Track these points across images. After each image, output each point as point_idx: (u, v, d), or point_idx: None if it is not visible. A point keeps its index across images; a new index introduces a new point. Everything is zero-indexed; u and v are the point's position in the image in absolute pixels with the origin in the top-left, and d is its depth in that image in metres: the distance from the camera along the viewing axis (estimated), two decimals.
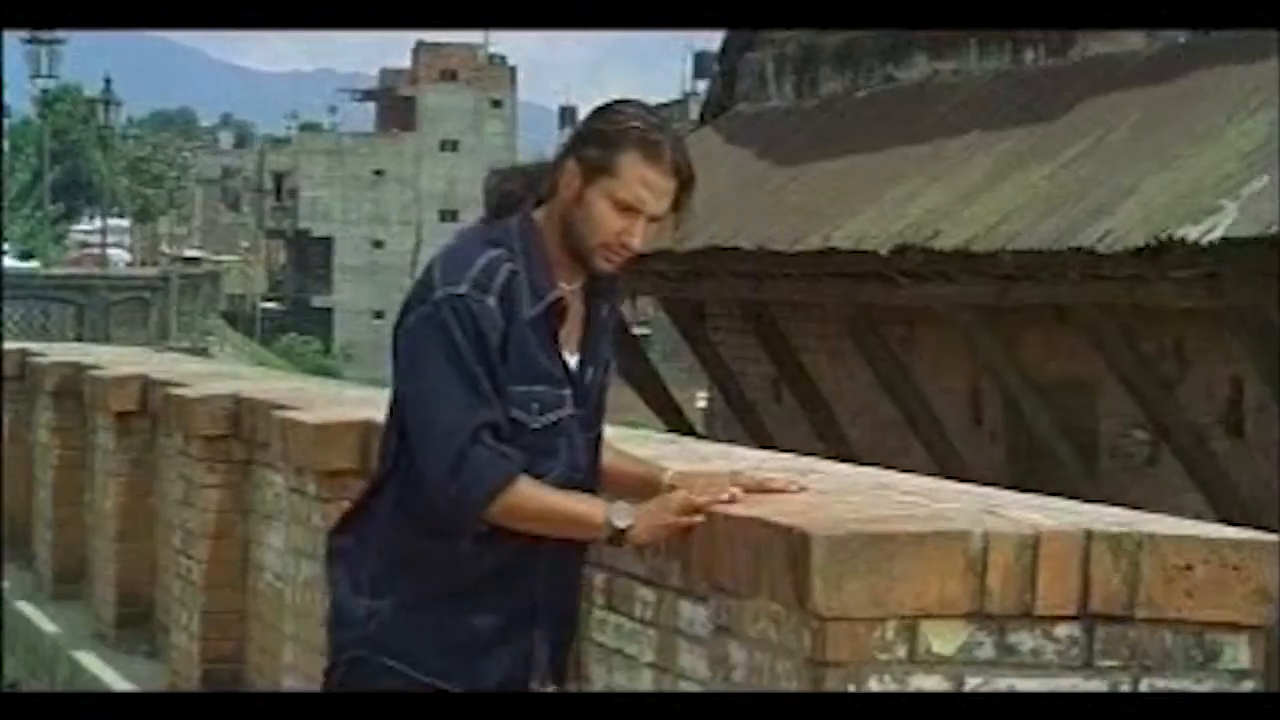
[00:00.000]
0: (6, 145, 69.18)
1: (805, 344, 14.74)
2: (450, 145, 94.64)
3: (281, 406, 7.63)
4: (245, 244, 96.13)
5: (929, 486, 4.39)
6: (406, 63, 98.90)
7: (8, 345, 13.54)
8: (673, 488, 4.02)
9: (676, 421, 16.41)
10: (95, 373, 10.86)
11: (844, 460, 13.88)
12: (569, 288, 3.89)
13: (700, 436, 16.73)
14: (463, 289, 3.81)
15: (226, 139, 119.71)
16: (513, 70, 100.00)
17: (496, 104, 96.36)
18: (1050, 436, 12.09)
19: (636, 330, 25.61)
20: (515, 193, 3.95)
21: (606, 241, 3.84)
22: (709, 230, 13.12)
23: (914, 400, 13.22)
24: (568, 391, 3.92)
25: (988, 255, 11.18)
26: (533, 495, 3.85)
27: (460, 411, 3.79)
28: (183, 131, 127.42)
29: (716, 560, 3.87)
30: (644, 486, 4.07)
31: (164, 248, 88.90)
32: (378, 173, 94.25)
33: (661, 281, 14.43)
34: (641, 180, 3.82)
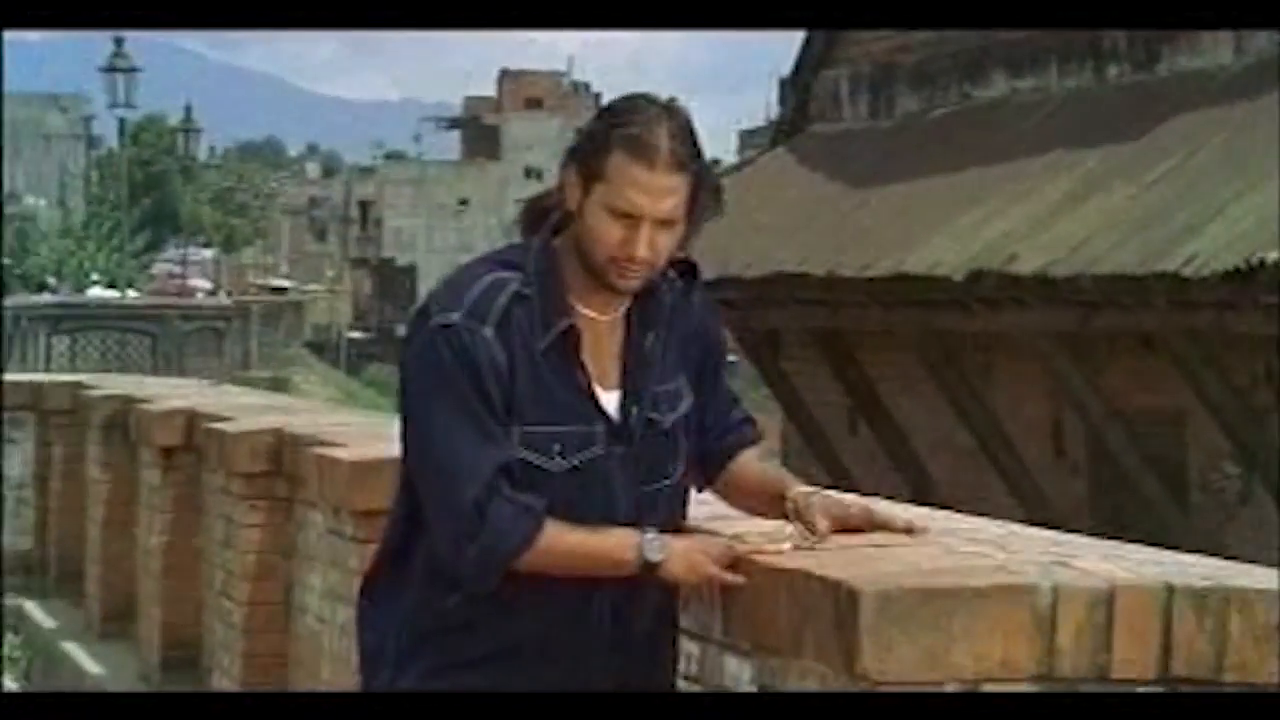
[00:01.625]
0: (93, 174, 69.63)
1: (880, 373, 14.37)
2: (535, 173, 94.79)
3: (321, 442, 7.31)
4: (331, 273, 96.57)
5: (997, 533, 4.05)
6: (491, 91, 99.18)
7: (63, 377, 13.47)
8: (794, 504, 3.61)
9: None
10: (142, 406, 10.63)
11: (921, 494, 13.67)
12: (596, 315, 3.49)
13: None
14: (455, 317, 3.45)
15: (313, 168, 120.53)
16: (597, 97, 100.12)
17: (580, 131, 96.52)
18: (1136, 470, 11.75)
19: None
20: (544, 209, 3.58)
21: (611, 255, 3.45)
22: (778, 256, 12.87)
23: (992, 432, 12.86)
24: (600, 428, 3.50)
25: (1068, 281, 10.89)
26: (555, 541, 3.46)
27: (468, 458, 3.43)
28: (270, 161, 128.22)
29: (759, 615, 3.56)
30: (767, 498, 3.69)
31: (250, 277, 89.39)
32: (462, 201, 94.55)
33: (730, 310, 14.08)
34: (632, 182, 3.43)
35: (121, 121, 43.22)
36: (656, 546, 3.45)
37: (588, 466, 3.50)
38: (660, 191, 3.42)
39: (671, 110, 3.50)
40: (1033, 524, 11.44)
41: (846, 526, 3.61)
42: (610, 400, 3.52)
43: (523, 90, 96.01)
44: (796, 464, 15.77)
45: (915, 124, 14.86)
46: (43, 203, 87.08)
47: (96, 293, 50.86)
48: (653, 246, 3.44)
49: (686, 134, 3.48)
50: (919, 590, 3.24)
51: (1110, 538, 10.13)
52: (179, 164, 64.84)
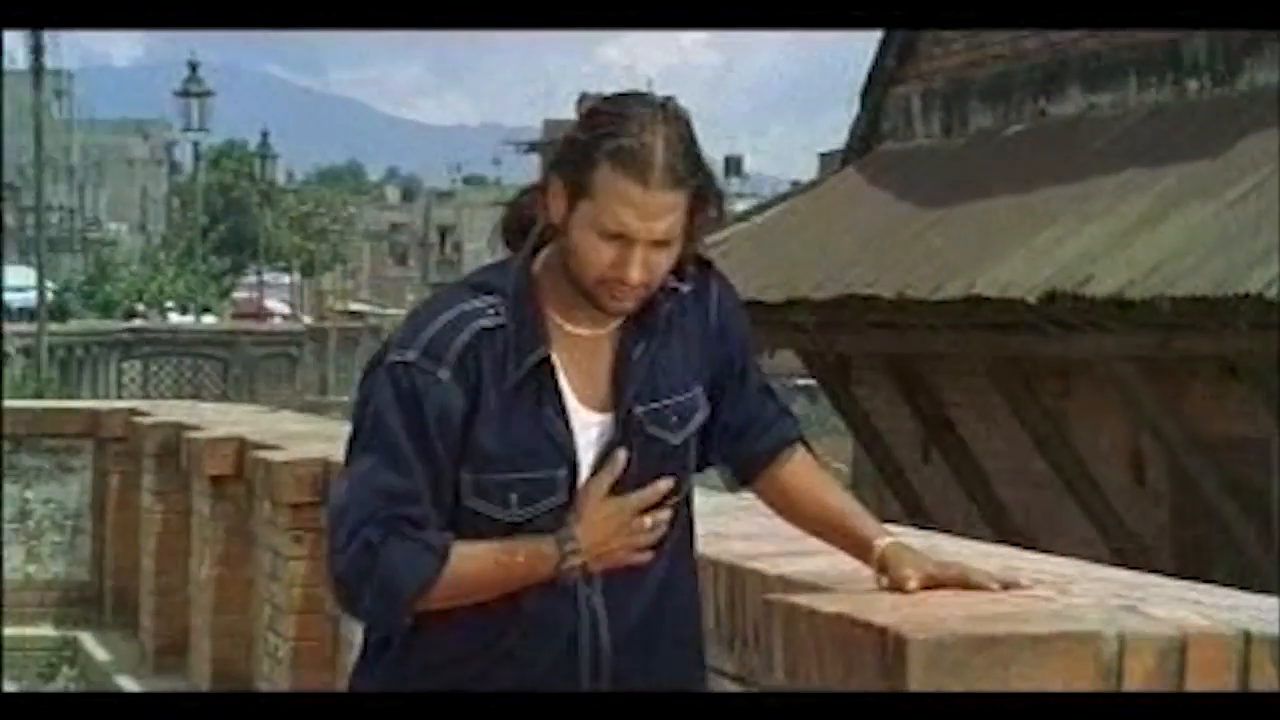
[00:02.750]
0: (174, 199, 69.98)
1: (954, 399, 14.05)
2: None
3: None
4: (412, 298, 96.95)
5: (1061, 573, 3.74)
6: (570, 114, 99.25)
7: (118, 404, 13.30)
8: (883, 556, 3.28)
9: None
10: (192, 434, 10.44)
11: (997, 524, 13.32)
12: (586, 331, 3.19)
13: None
14: (411, 355, 3.16)
15: (393, 193, 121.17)
16: None
17: None
18: (1219, 500, 11.39)
19: (800, 382, 24.93)
20: (527, 219, 3.24)
21: (601, 278, 3.12)
22: (846, 278, 12.58)
23: (1070, 460, 12.53)
24: (563, 474, 3.19)
25: (1145, 303, 10.56)
26: (460, 574, 3.16)
27: (371, 499, 3.14)
28: (350, 186, 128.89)
29: (800, 662, 3.26)
30: (832, 528, 3.38)
31: (330, 302, 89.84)
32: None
33: (798, 333, 13.78)
34: (623, 201, 3.08)
35: (195, 146, 43.38)
36: (575, 564, 3.16)
37: (546, 517, 3.19)
38: (655, 211, 3.08)
39: (668, 114, 3.14)
40: (1114, 555, 11.10)
41: (940, 585, 3.27)
42: (592, 424, 3.21)
43: None
44: (868, 493, 15.43)
45: (988, 141, 14.54)
46: (124, 228, 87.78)
47: (174, 318, 51.08)
48: (647, 268, 3.12)
49: (685, 142, 3.13)
50: (972, 638, 2.99)
51: (1192, 570, 9.77)
52: (257, 189, 65.08)
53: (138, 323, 44.68)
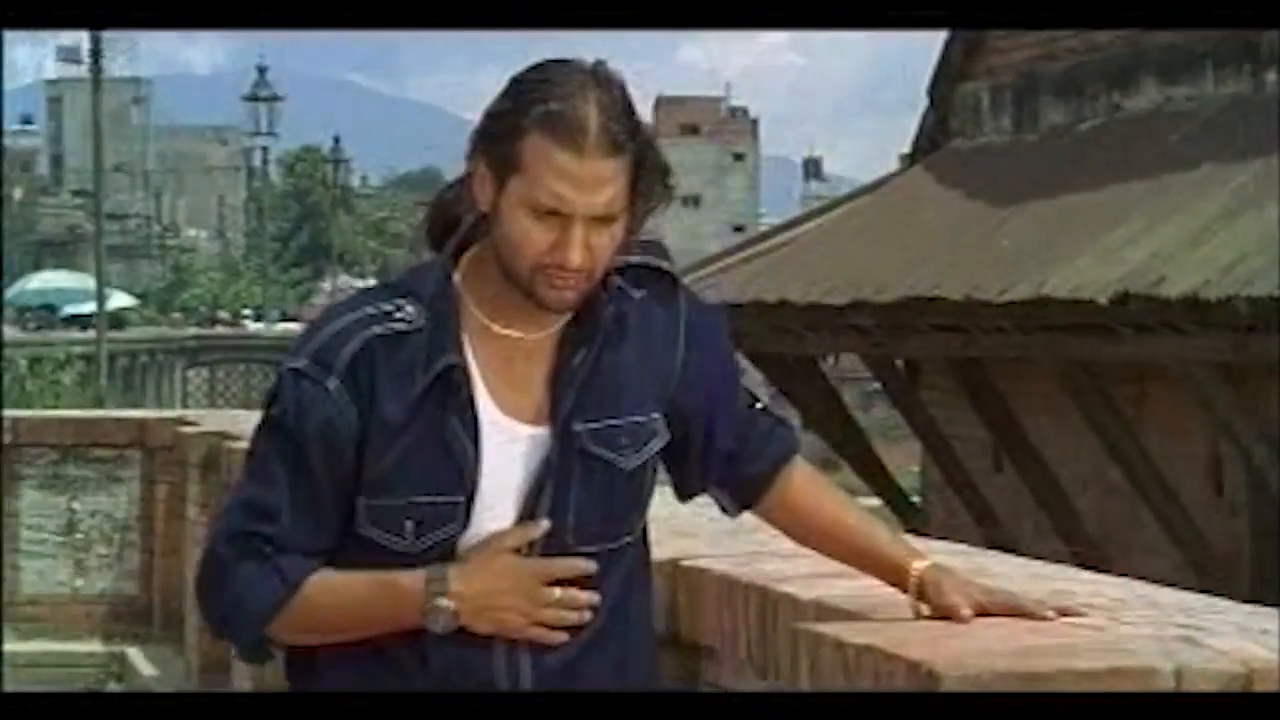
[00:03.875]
0: (251, 205, 70.19)
1: (1024, 405, 13.66)
2: (692, 200, 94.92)
3: None
4: None
5: (1117, 596, 3.45)
6: (647, 117, 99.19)
7: (167, 413, 13.15)
8: (921, 582, 2.97)
9: (889, 492, 15.40)
10: (233, 444, 10.17)
11: (1069, 534, 12.90)
12: (523, 334, 2.85)
13: (917, 509, 15.66)
14: (301, 363, 2.84)
15: None
16: (754, 123, 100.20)
17: (738, 157, 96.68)
18: None
19: (871, 387, 24.59)
20: (451, 216, 2.91)
21: (538, 263, 2.78)
22: (911, 280, 12.21)
23: (1145, 467, 12.13)
24: (460, 497, 2.82)
25: (1220, 303, 10.15)
26: (316, 603, 2.85)
27: (240, 518, 2.85)
28: (428, 190, 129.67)
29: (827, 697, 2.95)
30: (856, 551, 3.06)
31: None
32: None
33: (861, 336, 13.42)
34: (555, 170, 2.75)
35: (264, 151, 43.30)
36: (444, 612, 2.79)
37: (445, 546, 2.83)
38: (593, 181, 2.75)
39: (599, 77, 2.80)
40: (1191, 569, 10.64)
41: (987, 613, 2.94)
42: (533, 437, 2.85)
43: (679, 116, 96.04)
44: (936, 500, 15.09)
45: (1060, 137, 14.16)
46: (203, 234, 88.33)
47: (251, 325, 51.22)
48: (588, 249, 2.77)
49: (621, 105, 2.78)
50: (1012, 674, 2.74)
51: (1271, 586, 9.27)
52: (330, 194, 65.33)
53: (202, 329, 44.75)
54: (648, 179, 2.81)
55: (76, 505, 12.09)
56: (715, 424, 2.97)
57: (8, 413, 13.58)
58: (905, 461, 17.10)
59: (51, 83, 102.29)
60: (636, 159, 2.79)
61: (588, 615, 2.86)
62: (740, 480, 3.03)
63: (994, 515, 14.01)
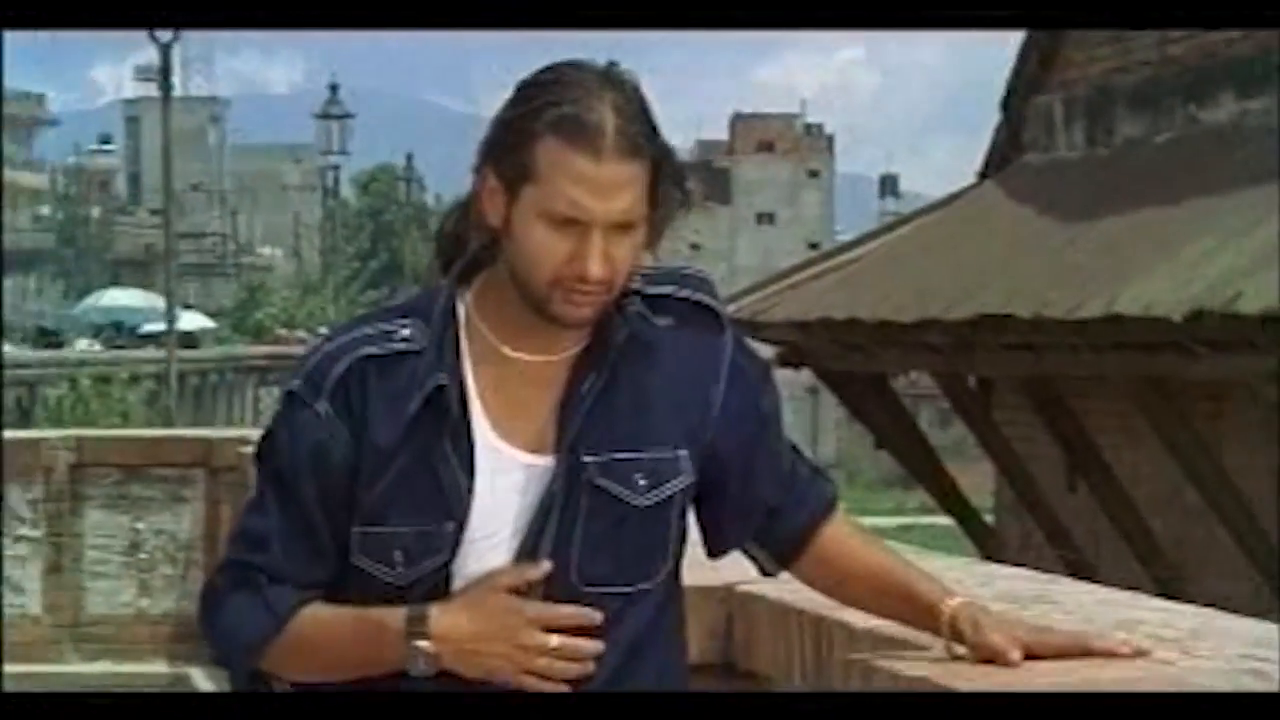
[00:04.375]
0: (326, 224, 70.30)
1: (1097, 424, 13.40)
2: (766, 217, 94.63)
3: None
4: None
5: (1188, 626, 3.30)
6: (723, 135, 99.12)
7: (230, 432, 13.10)
8: (955, 625, 2.80)
9: (963, 512, 15.15)
10: None
11: (1146, 556, 12.64)
12: (535, 357, 2.70)
13: (991, 531, 15.42)
14: (295, 384, 2.75)
15: None
16: (830, 139, 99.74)
17: (814, 174, 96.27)
18: None
19: (947, 404, 24.33)
20: (461, 235, 2.77)
21: (556, 277, 2.62)
22: (980, 297, 11.97)
23: (1223, 488, 11.84)
24: (449, 526, 2.66)
25: None
26: (302, 641, 2.72)
27: (236, 547, 2.76)
28: None
29: None
30: (896, 598, 2.88)
31: None
32: (694, 246, 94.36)
33: (932, 354, 13.20)
34: (571, 175, 2.59)
35: (335, 170, 43.33)
36: (423, 654, 2.63)
37: (437, 581, 2.68)
38: (611, 186, 2.60)
39: (613, 77, 2.66)
40: (1273, 591, 10.35)
41: (1036, 655, 2.78)
42: (535, 467, 2.68)
43: (755, 133, 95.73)
44: (1010, 522, 14.85)
45: (1134, 152, 13.90)
46: (279, 253, 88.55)
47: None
48: (609, 259, 2.62)
49: (637, 106, 2.64)
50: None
51: None
52: (401, 213, 65.50)
53: (277, 348, 44.73)
54: (666, 185, 2.67)
55: (141, 525, 12.03)
56: (756, 472, 2.82)
57: (73, 432, 13.57)
58: (983, 481, 16.86)
59: (130, 102, 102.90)
60: (655, 163, 2.64)
61: (590, 667, 2.66)
62: (781, 535, 2.87)
63: (1069, 537, 13.75)
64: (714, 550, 2.89)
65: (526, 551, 2.66)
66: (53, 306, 54.61)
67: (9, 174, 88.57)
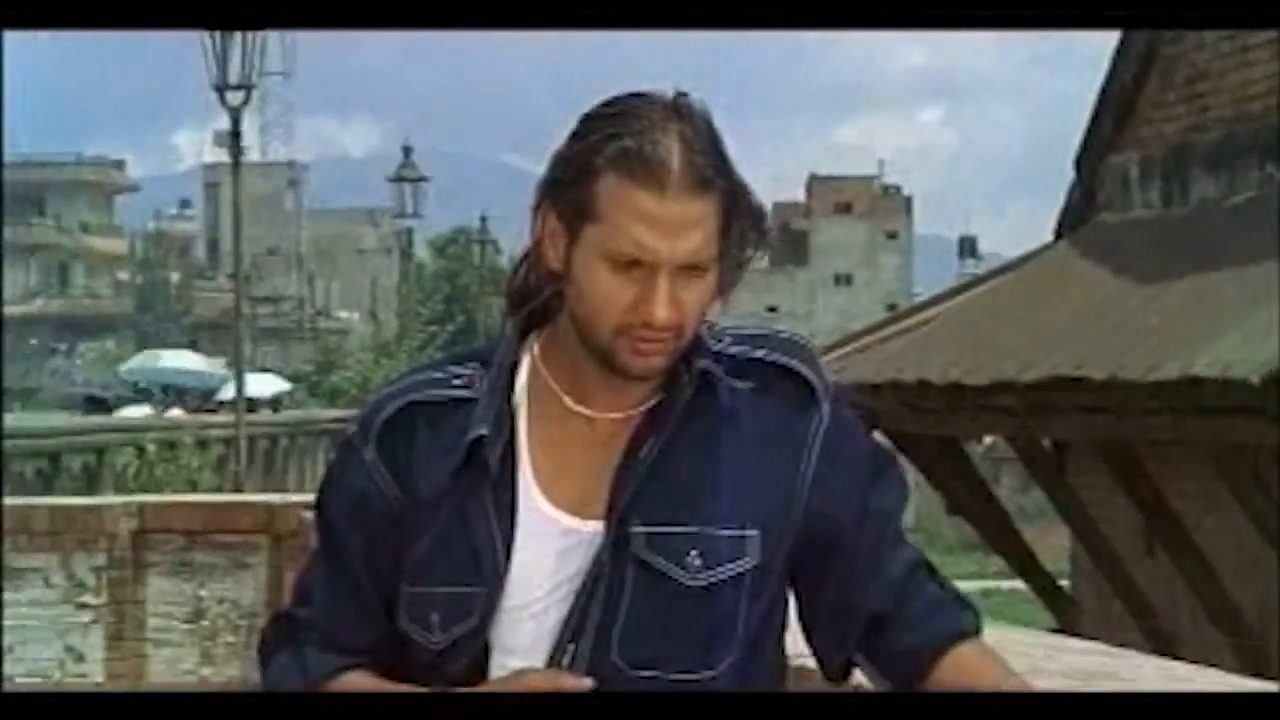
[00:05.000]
0: (402, 286, 70.46)
1: (1176, 489, 13.06)
2: (844, 279, 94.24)
3: None
4: None
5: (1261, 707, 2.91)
6: (800, 196, 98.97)
7: (293, 497, 12.96)
8: None
9: (1039, 579, 14.84)
10: None
11: (1227, 626, 12.30)
12: (599, 413, 2.49)
13: (1069, 599, 15.11)
14: (351, 429, 2.60)
15: None
16: (909, 200, 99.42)
17: (892, 236, 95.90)
18: None
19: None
20: (527, 286, 2.58)
21: (620, 323, 2.42)
22: (1054, 359, 11.69)
23: None
24: (480, 589, 2.46)
25: None
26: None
27: (289, 598, 2.65)
28: None
29: None
30: None
31: None
32: (771, 309, 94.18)
33: (1005, 417, 12.92)
34: (636, 214, 2.39)
35: (409, 232, 43.30)
36: None
37: (470, 645, 2.49)
38: (678, 224, 2.39)
39: (681, 107, 2.45)
40: None
41: None
42: (582, 534, 2.47)
43: (832, 195, 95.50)
44: (1087, 588, 14.54)
45: (1211, 212, 13.60)
46: (355, 317, 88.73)
47: None
48: (677, 304, 2.41)
49: (706, 139, 2.44)
50: None
51: None
52: (476, 275, 65.54)
53: (347, 411, 44.65)
54: (740, 223, 2.46)
55: (203, 592, 11.89)
56: (855, 574, 2.52)
57: (136, 498, 13.49)
58: (1068, 545, 16.57)
59: (209, 167, 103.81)
60: (726, 199, 2.44)
61: None
62: (887, 653, 2.54)
63: (1148, 604, 13.42)
64: (824, 668, 2.62)
65: (567, 626, 2.45)
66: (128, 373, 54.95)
67: (89, 239, 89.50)
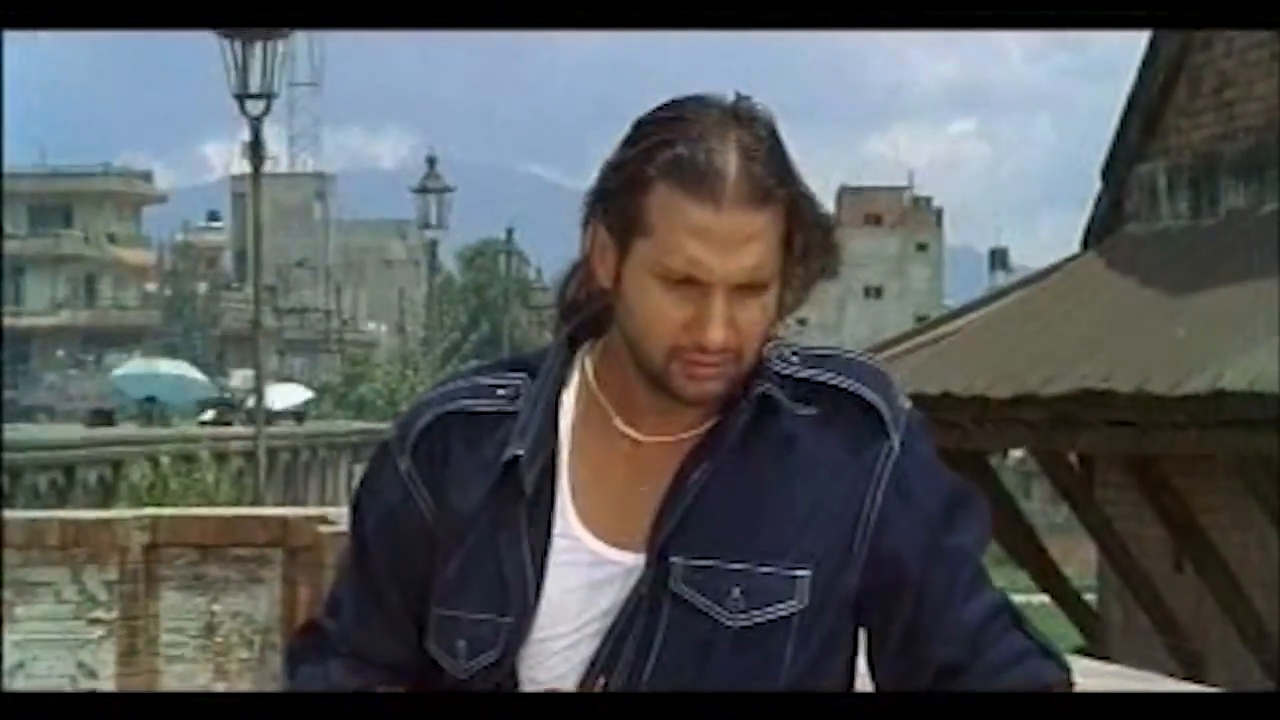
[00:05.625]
0: (430, 298, 70.49)
1: (1204, 503, 12.84)
2: (874, 291, 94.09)
3: None
4: None
5: None
6: (830, 207, 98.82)
7: (309, 510, 12.86)
8: None
9: (1065, 595, 14.64)
10: None
11: (1257, 645, 12.09)
12: (648, 436, 2.30)
13: (1095, 616, 14.92)
14: (391, 433, 2.44)
15: None
16: (939, 212, 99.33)
17: (922, 248, 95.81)
18: None
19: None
20: (581, 302, 2.40)
21: (673, 345, 2.24)
22: (1079, 372, 11.49)
23: None
24: (506, 619, 2.28)
25: None
26: None
27: (320, 610, 2.49)
28: None
29: None
30: None
31: None
32: (801, 321, 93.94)
33: (1029, 430, 12.73)
34: (687, 227, 2.21)
35: (434, 243, 43.19)
36: None
37: (494, 676, 2.31)
38: (734, 238, 2.21)
39: (741, 112, 2.27)
40: None
41: None
42: (620, 565, 2.28)
43: (862, 206, 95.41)
44: (1114, 606, 14.33)
45: (1240, 221, 13.39)
46: (383, 329, 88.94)
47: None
48: (734, 325, 2.23)
49: (767, 147, 2.25)
50: None
51: None
52: (502, 287, 65.72)
53: (369, 423, 44.50)
54: (805, 236, 2.27)
55: (217, 607, 11.76)
56: (925, 616, 2.30)
57: (148, 511, 13.38)
58: (1092, 558, 16.37)
59: (237, 179, 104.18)
60: (789, 212, 2.25)
61: None
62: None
63: (1175, 621, 13.19)
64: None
65: (596, 663, 2.27)
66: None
67: (117, 251, 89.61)
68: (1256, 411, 10.33)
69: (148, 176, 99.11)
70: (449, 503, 2.31)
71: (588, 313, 2.36)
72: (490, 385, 2.35)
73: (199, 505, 19.51)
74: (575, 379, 2.35)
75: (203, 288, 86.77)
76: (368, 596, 2.39)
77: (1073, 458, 14.38)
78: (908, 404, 2.37)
